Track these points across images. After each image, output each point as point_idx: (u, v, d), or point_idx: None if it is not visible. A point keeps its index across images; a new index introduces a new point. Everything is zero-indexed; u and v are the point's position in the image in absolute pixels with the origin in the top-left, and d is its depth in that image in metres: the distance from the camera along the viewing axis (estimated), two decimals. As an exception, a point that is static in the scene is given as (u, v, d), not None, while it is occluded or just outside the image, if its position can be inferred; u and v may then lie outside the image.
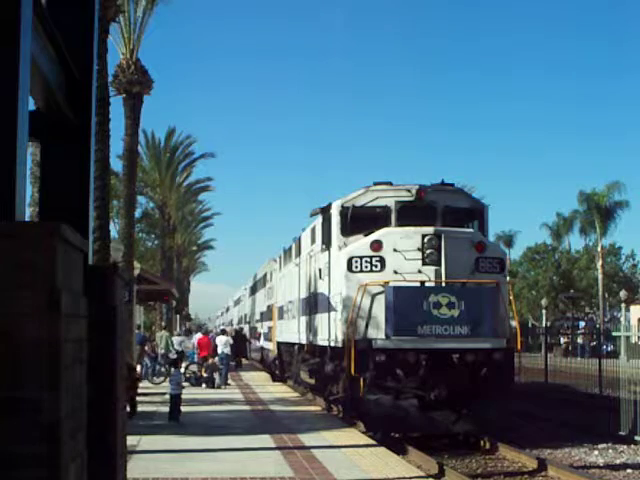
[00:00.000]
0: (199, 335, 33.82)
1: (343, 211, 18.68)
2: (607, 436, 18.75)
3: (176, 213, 61.35)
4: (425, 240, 17.30)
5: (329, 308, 19.18)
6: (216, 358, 30.67)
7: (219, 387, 28.66)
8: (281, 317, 31.63)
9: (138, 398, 21.06)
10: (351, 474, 11.94)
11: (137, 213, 43.86)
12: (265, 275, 41.81)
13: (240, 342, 46.07)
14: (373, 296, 17.20)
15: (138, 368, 28.97)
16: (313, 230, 22.27)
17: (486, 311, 16.89)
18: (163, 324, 45.36)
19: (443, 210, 18.59)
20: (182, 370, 27.17)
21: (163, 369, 30.67)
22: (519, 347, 18.59)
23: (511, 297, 18.99)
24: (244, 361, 50.05)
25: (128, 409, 18.23)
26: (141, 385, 27.41)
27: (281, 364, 33.05)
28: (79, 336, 3.74)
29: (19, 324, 3.10)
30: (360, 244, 17.86)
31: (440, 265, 17.23)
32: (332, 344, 18.88)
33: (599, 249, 73.37)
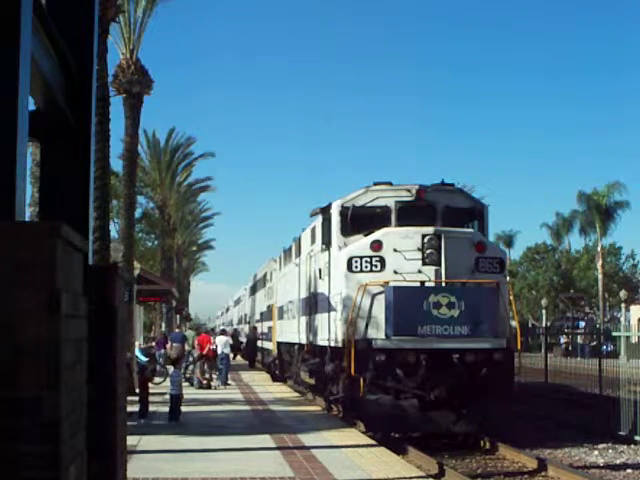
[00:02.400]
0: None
1: (343, 211, 18.68)
2: (607, 436, 18.75)
3: (176, 213, 61.33)
4: (425, 240, 17.30)
5: (329, 308, 19.18)
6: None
7: (206, 388, 28.62)
8: (281, 317, 31.63)
9: (137, 398, 21.06)
10: (351, 474, 11.94)
11: (137, 213, 43.84)
12: (265, 275, 41.81)
13: (253, 344, 46.05)
14: (373, 296, 17.20)
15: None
16: (313, 230, 22.27)
17: (486, 311, 16.88)
18: (189, 323, 45.59)
19: (443, 210, 18.59)
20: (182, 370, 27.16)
21: (163, 369, 30.70)
22: (519, 347, 18.58)
23: (511, 297, 18.99)
24: (244, 361, 50.02)
25: (138, 409, 18.28)
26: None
27: (281, 364, 33.05)
28: (79, 336, 3.74)
29: (19, 324, 3.10)
30: (360, 244, 17.86)
31: (440, 265, 17.23)
32: (332, 344, 18.88)
33: (599, 249, 73.42)
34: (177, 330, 36.83)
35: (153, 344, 37.51)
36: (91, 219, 4.83)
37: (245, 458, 13.28)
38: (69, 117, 4.61)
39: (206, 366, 30.36)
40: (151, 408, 19.40)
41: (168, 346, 33.40)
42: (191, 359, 31.00)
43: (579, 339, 56.88)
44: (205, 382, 29.08)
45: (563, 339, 58.19)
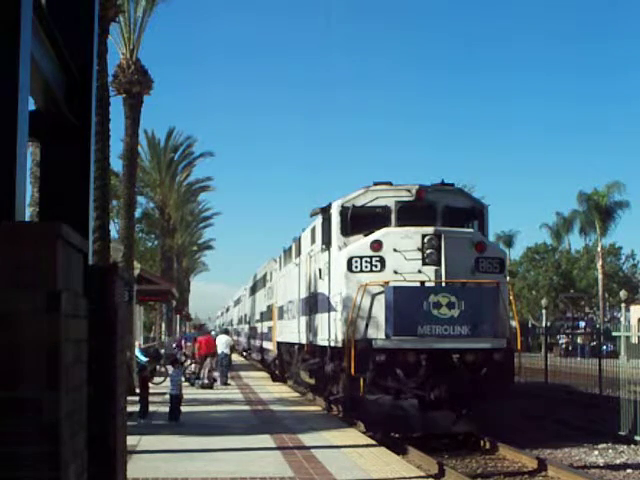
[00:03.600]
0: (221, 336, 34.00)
1: (343, 211, 18.68)
2: (607, 436, 18.75)
3: (176, 213, 61.30)
4: (425, 240, 17.30)
5: (329, 308, 19.18)
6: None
7: (207, 387, 28.78)
8: (281, 317, 31.63)
9: (137, 398, 21.03)
10: (351, 474, 11.94)
11: (137, 213, 43.85)
12: (265, 275, 41.81)
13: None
14: (373, 296, 17.20)
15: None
16: (313, 230, 22.27)
17: (486, 311, 16.88)
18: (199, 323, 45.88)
19: (443, 210, 18.59)
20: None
21: (163, 369, 30.72)
22: (519, 347, 18.58)
23: (511, 297, 18.97)
24: (244, 360, 50.05)
25: (138, 409, 18.30)
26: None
27: (281, 364, 33.05)
28: (79, 336, 3.74)
29: (19, 324, 3.10)
30: (360, 244, 17.85)
31: (440, 265, 17.23)
32: (332, 344, 18.88)
33: (599, 249, 73.43)
34: (192, 331, 37.52)
35: (174, 345, 38.13)
36: (91, 219, 4.83)
37: (245, 458, 13.28)
38: (69, 117, 4.61)
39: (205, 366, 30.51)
40: (151, 408, 19.41)
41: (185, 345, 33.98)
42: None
43: (579, 339, 56.89)
44: (207, 382, 29.16)
45: (563, 339, 58.20)
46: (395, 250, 17.41)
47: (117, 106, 31.34)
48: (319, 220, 20.76)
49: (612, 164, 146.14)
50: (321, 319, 20.49)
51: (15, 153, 3.37)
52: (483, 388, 16.84)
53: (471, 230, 18.73)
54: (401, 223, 18.14)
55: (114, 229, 39.58)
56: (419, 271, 17.28)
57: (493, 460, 16.24)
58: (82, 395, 3.87)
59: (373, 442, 15.58)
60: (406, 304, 16.74)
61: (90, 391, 4.04)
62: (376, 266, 17.46)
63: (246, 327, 55.40)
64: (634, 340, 20.95)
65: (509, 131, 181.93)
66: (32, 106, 4.27)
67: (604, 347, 28.76)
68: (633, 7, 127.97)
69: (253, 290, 50.36)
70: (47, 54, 4.08)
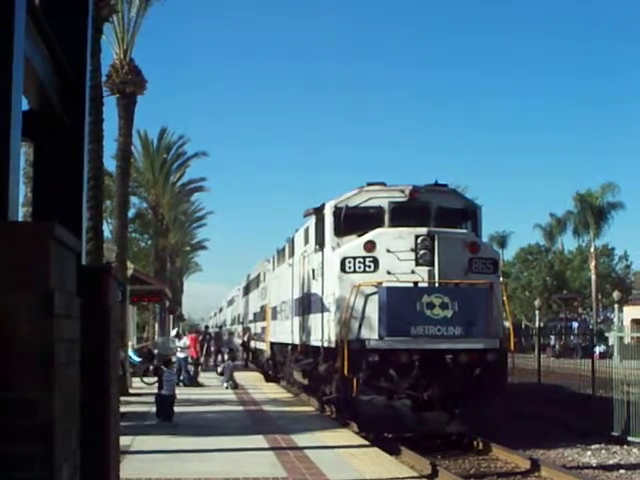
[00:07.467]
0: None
1: (336, 211, 18.68)
2: (600, 437, 18.77)
3: (169, 213, 61.20)
4: (418, 241, 17.30)
5: (322, 308, 19.17)
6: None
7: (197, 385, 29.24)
8: (274, 317, 31.62)
9: (130, 398, 21.05)
10: (344, 474, 11.94)
11: (130, 213, 43.79)
12: (258, 276, 41.78)
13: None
14: (366, 297, 17.19)
15: None
16: (306, 231, 22.26)
17: (479, 312, 16.90)
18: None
19: (436, 211, 18.60)
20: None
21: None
22: (512, 348, 18.60)
23: (504, 298, 18.98)
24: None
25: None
26: (134, 385, 27.43)
27: (274, 364, 33.04)
28: (72, 336, 3.74)
29: (12, 324, 3.10)
30: (353, 244, 17.85)
31: (433, 266, 17.24)
32: (325, 344, 18.87)
33: (592, 250, 73.54)
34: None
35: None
36: (84, 219, 4.83)
37: (238, 458, 13.27)
38: (63, 117, 4.61)
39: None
40: (144, 408, 19.38)
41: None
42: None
43: (573, 339, 56.93)
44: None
45: (557, 341, 58.23)
46: (388, 251, 17.41)
47: (111, 106, 31.27)
48: (312, 221, 20.76)
49: (607, 166, 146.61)
50: (314, 319, 20.49)
51: (8, 153, 3.37)
52: (476, 388, 16.86)
53: (464, 231, 18.75)
54: (394, 224, 18.14)
55: (107, 229, 39.52)
56: (412, 272, 17.28)
57: (486, 460, 16.26)
58: (75, 395, 3.87)
59: (366, 442, 15.59)
60: (399, 305, 16.74)
61: (83, 391, 4.04)
62: (369, 267, 17.46)
63: (239, 327, 55.35)
64: (627, 340, 21.00)
65: (504, 132, 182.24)
66: (26, 106, 4.27)
67: (597, 348, 28.80)
68: (634, 8, 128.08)
69: (246, 291, 50.33)
70: (41, 54, 4.08)
